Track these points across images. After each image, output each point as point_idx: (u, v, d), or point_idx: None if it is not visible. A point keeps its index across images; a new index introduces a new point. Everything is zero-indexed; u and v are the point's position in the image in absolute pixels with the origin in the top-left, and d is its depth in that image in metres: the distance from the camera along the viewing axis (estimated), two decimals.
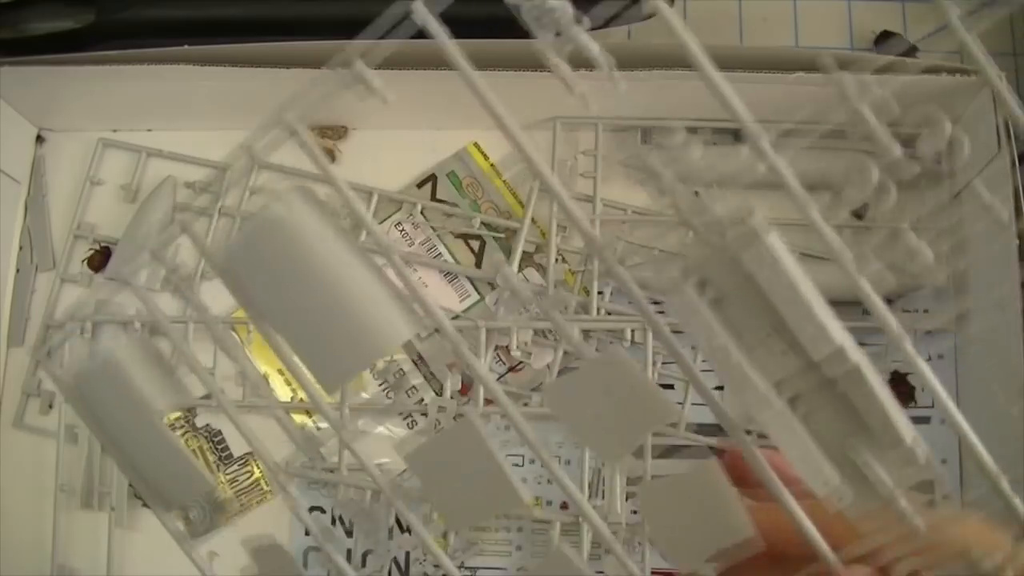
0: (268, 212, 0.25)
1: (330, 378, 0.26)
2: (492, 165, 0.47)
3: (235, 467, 0.44)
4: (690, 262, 0.23)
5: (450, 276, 0.45)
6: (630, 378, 0.23)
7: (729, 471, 0.21)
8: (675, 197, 0.22)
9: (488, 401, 0.43)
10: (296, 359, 0.26)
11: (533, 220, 0.45)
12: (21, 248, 0.46)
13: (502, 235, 0.46)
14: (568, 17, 0.23)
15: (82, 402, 0.26)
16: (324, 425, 0.44)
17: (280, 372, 0.45)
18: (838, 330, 0.21)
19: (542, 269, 0.44)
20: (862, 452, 0.21)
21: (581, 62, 0.43)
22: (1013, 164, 0.39)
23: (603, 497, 0.42)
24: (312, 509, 0.43)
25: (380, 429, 0.44)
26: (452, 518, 0.26)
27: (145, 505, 0.43)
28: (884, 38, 0.49)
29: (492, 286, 0.45)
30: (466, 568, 0.43)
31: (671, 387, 0.44)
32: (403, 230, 0.46)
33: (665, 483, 0.23)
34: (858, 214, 0.45)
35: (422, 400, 0.44)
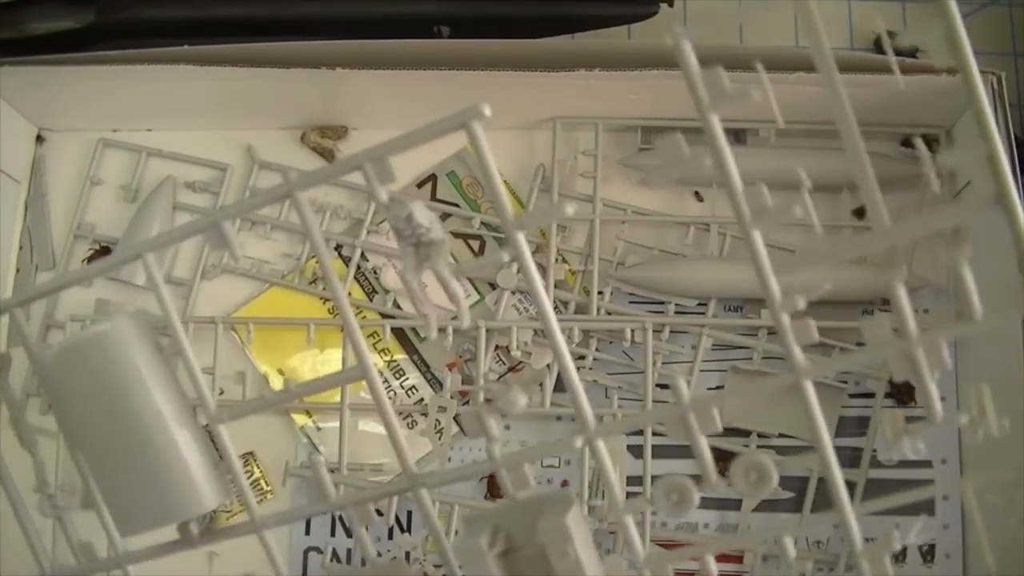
0: (95, 330, 0.24)
1: (124, 526, 0.25)
2: None
3: None
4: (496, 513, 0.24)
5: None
6: None
7: None
8: None
9: (488, 401, 0.43)
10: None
11: None
12: (21, 248, 0.46)
13: (502, 235, 0.46)
14: (437, 245, 0.23)
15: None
16: (324, 425, 0.44)
17: (280, 372, 0.45)
18: None
19: (542, 269, 0.44)
20: None
21: (581, 62, 0.43)
22: (1013, 164, 0.39)
23: (603, 497, 0.42)
24: None
25: (380, 429, 0.44)
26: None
27: None
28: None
29: (492, 286, 0.45)
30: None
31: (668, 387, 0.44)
32: None
33: None
34: (858, 214, 0.45)
35: (422, 400, 0.44)
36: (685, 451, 0.43)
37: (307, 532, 0.43)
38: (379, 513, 0.42)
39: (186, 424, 0.25)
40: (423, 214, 0.24)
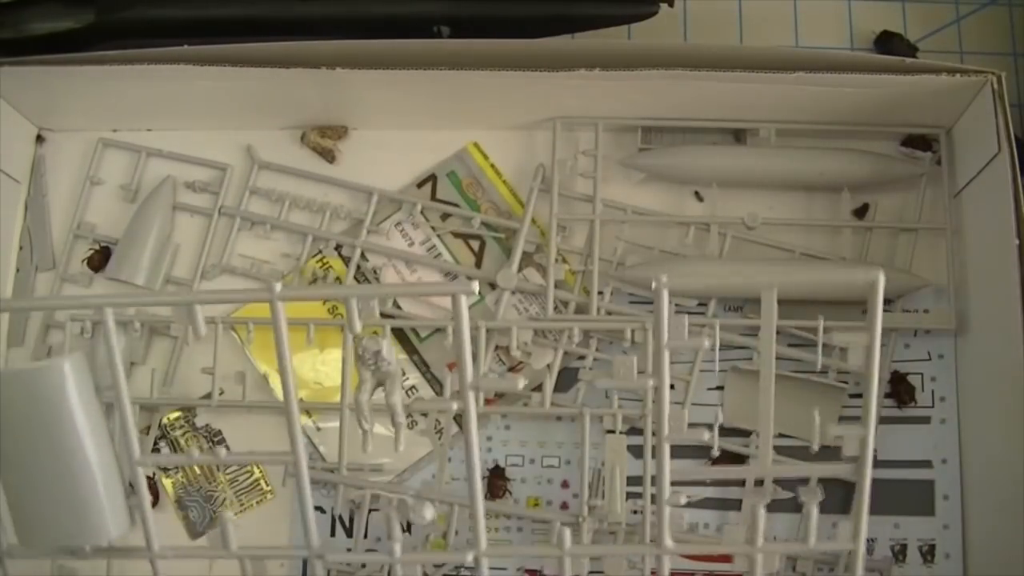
0: (51, 364, 0.27)
1: (26, 538, 0.27)
2: (492, 165, 0.47)
3: (235, 467, 0.44)
4: None
5: (450, 276, 0.45)
6: None
7: None
8: None
9: (488, 401, 0.44)
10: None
11: (533, 220, 0.45)
12: (21, 248, 0.46)
13: (502, 235, 0.46)
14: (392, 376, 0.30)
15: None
16: (324, 425, 0.44)
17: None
18: None
19: (542, 269, 0.44)
20: None
21: (581, 62, 0.43)
22: (1013, 164, 0.39)
23: (603, 497, 0.42)
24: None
25: (380, 429, 0.44)
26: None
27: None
28: (884, 38, 0.49)
29: (492, 286, 0.45)
30: (466, 568, 0.43)
31: (671, 387, 0.44)
32: (403, 230, 0.46)
33: None
34: (858, 214, 0.45)
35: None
36: (685, 451, 0.43)
37: None
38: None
39: (104, 463, 0.28)
40: (389, 352, 0.30)
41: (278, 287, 0.27)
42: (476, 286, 0.26)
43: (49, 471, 0.27)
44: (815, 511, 0.28)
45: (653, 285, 0.24)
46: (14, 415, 0.27)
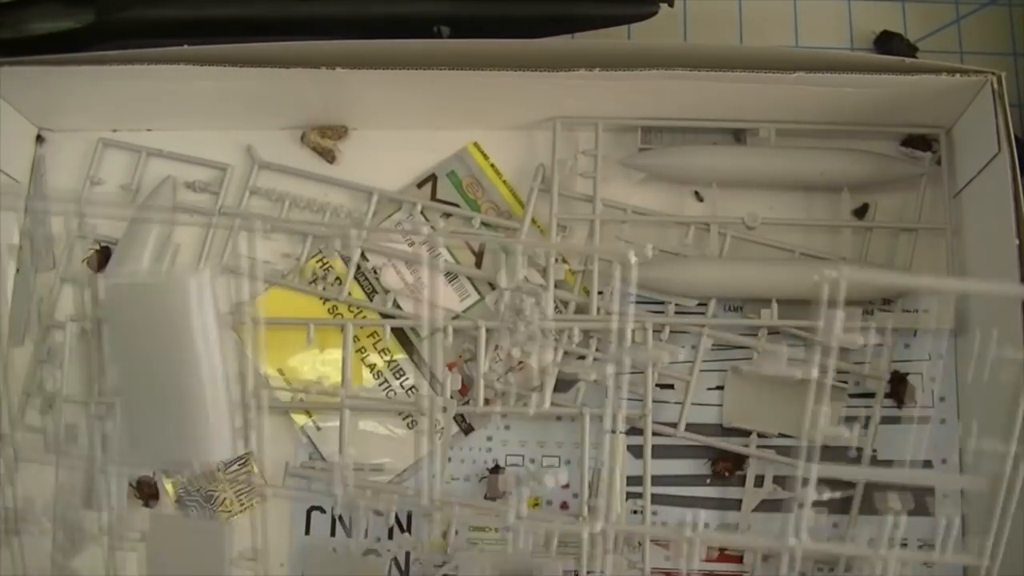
0: (178, 278, 0.26)
1: (137, 452, 0.27)
2: (492, 165, 0.47)
3: (235, 467, 0.44)
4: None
5: (450, 276, 0.45)
6: None
7: None
8: None
9: (488, 401, 0.43)
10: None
11: (533, 220, 0.45)
12: (21, 248, 0.46)
13: (502, 235, 0.46)
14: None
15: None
16: (324, 425, 0.44)
17: (280, 372, 0.45)
18: None
19: (542, 269, 0.44)
20: None
21: (581, 62, 0.43)
22: (1013, 164, 0.39)
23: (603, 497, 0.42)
24: (312, 509, 0.43)
25: (380, 429, 0.44)
26: None
27: (147, 505, 0.43)
28: (884, 38, 0.49)
29: (492, 286, 0.45)
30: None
31: (671, 387, 0.44)
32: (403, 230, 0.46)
33: None
34: (859, 214, 0.45)
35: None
36: (685, 451, 0.43)
37: (307, 532, 0.43)
38: (378, 513, 0.42)
39: (218, 385, 0.27)
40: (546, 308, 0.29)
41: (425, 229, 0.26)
42: (651, 250, 0.25)
43: (165, 385, 0.26)
44: (947, 521, 0.28)
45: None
46: (137, 326, 0.26)
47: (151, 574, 0.27)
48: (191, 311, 0.26)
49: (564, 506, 0.43)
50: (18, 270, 0.46)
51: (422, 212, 0.46)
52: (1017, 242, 0.38)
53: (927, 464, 0.43)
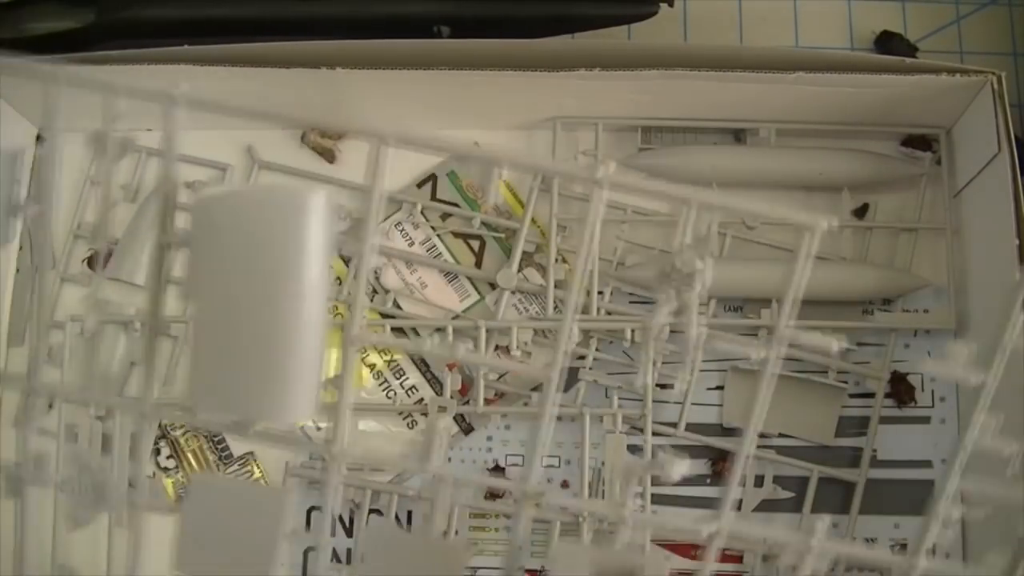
0: (295, 190, 0.21)
1: (203, 399, 0.22)
2: None
3: (235, 467, 0.44)
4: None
5: (450, 276, 0.45)
6: None
7: None
8: None
9: (488, 401, 0.44)
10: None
11: (533, 220, 0.45)
12: (21, 248, 0.46)
13: (502, 235, 0.46)
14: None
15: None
16: (324, 425, 0.44)
17: None
18: None
19: (542, 269, 0.44)
20: None
21: (581, 62, 0.43)
22: (1013, 164, 0.39)
23: (603, 497, 0.42)
24: (312, 509, 0.43)
25: (380, 429, 0.44)
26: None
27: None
28: (884, 38, 0.49)
29: (492, 286, 0.45)
30: (466, 568, 0.43)
31: (671, 387, 0.44)
32: (403, 230, 0.46)
33: None
34: (858, 214, 0.45)
35: (422, 400, 0.44)
36: (685, 451, 0.43)
37: (307, 531, 0.43)
38: (379, 513, 0.42)
39: (316, 332, 0.22)
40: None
41: (603, 171, 0.22)
42: (833, 221, 0.21)
43: (254, 323, 0.21)
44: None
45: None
46: (229, 250, 0.21)
47: (183, 547, 0.23)
48: (305, 234, 0.21)
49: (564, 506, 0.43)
50: (18, 270, 0.46)
51: (422, 212, 0.46)
52: (1017, 242, 0.38)
53: (927, 464, 0.43)
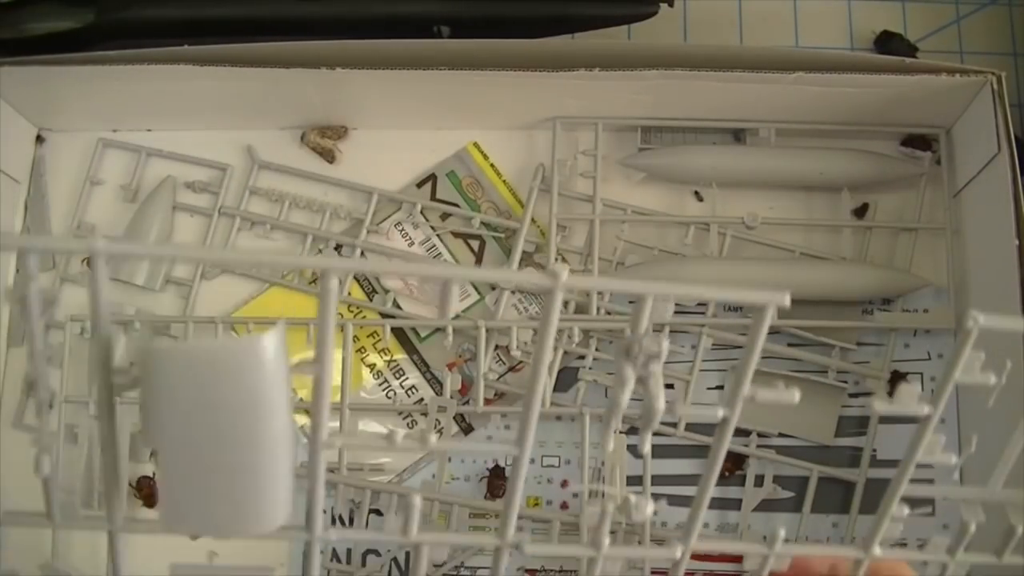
0: (251, 340, 0.22)
1: (175, 522, 0.23)
2: (492, 165, 0.47)
3: None
4: None
5: None
6: None
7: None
8: None
9: (488, 401, 0.44)
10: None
11: (533, 220, 0.45)
12: None
13: (502, 235, 0.46)
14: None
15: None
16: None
17: None
18: None
19: (542, 269, 0.44)
20: None
21: (581, 62, 0.43)
22: (1013, 164, 0.39)
23: (603, 496, 0.42)
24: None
25: (380, 429, 0.44)
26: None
27: (147, 505, 0.43)
28: (884, 38, 0.49)
29: (492, 286, 0.45)
30: (466, 568, 0.43)
31: (671, 387, 0.44)
32: (403, 230, 0.46)
33: None
34: (858, 213, 0.45)
35: (422, 400, 0.44)
36: (684, 451, 0.43)
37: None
38: (378, 513, 0.43)
39: (288, 451, 0.23)
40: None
41: (564, 276, 0.22)
42: (785, 301, 0.22)
43: (223, 449, 0.22)
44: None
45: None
46: (193, 391, 0.22)
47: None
48: (264, 375, 0.22)
49: (564, 506, 0.43)
50: (18, 270, 0.46)
51: (422, 212, 0.46)
52: (1017, 242, 0.38)
53: (927, 464, 0.43)
